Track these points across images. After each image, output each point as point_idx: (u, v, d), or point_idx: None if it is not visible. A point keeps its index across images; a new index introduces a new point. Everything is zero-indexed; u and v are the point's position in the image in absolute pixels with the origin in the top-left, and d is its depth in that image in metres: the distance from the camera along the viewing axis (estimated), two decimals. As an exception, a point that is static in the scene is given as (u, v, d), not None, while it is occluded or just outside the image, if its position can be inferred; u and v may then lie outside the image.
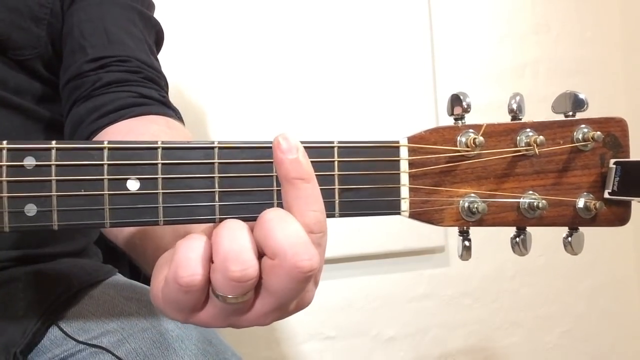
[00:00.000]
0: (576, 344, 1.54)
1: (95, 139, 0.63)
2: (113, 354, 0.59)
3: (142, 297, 0.67)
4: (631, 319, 1.59)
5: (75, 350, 0.61)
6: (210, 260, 0.38)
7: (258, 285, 0.38)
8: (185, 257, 0.37)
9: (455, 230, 0.47)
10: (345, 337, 1.35)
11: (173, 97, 0.73)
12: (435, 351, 1.43)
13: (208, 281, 0.38)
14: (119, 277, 0.75)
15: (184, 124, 0.69)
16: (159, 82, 0.71)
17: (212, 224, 0.42)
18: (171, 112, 0.68)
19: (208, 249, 0.38)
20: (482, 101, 1.29)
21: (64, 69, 0.69)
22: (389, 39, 1.36)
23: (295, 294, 0.38)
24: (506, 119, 0.47)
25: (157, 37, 0.78)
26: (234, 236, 0.37)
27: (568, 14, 1.53)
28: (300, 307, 0.42)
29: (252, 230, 0.39)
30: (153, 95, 0.67)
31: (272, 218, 0.38)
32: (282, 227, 0.37)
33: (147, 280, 0.84)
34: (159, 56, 0.78)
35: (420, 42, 1.38)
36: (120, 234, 0.57)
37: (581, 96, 0.45)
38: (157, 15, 0.79)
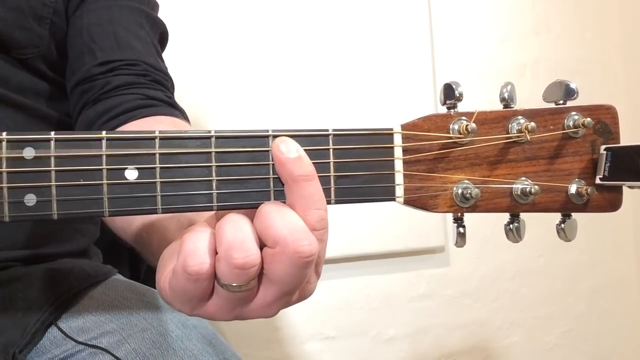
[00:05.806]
0: (576, 344, 1.54)
1: None
2: (112, 355, 0.59)
3: (142, 298, 0.67)
4: (631, 319, 1.59)
5: (74, 351, 0.61)
6: (215, 251, 0.39)
7: (260, 275, 0.40)
8: (194, 247, 0.38)
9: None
10: (345, 337, 1.35)
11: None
12: (435, 351, 1.43)
13: (214, 271, 0.39)
14: (119, 278, 0.75)
15: (190, 124, 0.70)
16: (166, 84, 0.72)
17: (213, 216, 0.43)
18: (177, 112, 0.69)
19: (213, 240, 0.39)
20: (482, 101, 1.29)
21: (71, 70, 0.70)
22: (389, 40, 1.36)
23: (298, 281, 0.39)
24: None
25: (161, 37, 0.79)
26: (237, 227, 0.39)
27: (568, 14, 1.53)
28: (302, 297, 0.43)
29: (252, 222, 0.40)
30: (160, 97, 0.68)
31: (271, 210, 0.39)
32: (281, 216, 0.39)
33: (147, 280, 0.85)
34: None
35: (420, 42, 1.38)
36: (129, 229, 0.58)
37: (572, 85, 0.46)
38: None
